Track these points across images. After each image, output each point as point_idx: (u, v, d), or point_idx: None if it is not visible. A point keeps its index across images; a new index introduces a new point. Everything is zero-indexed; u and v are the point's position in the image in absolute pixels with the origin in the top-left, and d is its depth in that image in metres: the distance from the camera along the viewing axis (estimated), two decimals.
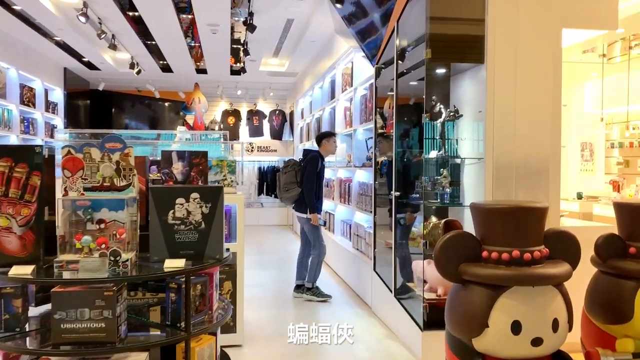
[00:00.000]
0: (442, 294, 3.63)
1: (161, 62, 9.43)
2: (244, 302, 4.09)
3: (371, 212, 5.37)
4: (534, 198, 3.45)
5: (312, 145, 8.16)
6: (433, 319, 3.52)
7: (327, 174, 8.24)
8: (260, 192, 12.78)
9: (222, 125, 12.69)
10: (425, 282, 3.80)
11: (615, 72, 7.30)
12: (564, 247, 2.22)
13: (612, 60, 7.27)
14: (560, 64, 3.62)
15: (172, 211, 2.37)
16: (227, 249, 2.57)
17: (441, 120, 3.88)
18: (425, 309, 3.56)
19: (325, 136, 5.73)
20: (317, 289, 5.49)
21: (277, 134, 12.87)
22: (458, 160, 3.96)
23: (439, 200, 3.88)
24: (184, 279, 2.31)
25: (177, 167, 2.85)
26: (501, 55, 3.50)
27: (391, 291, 4.45)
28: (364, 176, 6.07)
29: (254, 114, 12.78)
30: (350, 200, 6.48)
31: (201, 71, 10.23)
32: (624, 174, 7.39)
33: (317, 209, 5.51)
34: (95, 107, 12.04)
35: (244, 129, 12.82)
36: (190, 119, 11.57)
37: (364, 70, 5.98)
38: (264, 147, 12.76)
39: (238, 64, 8.93)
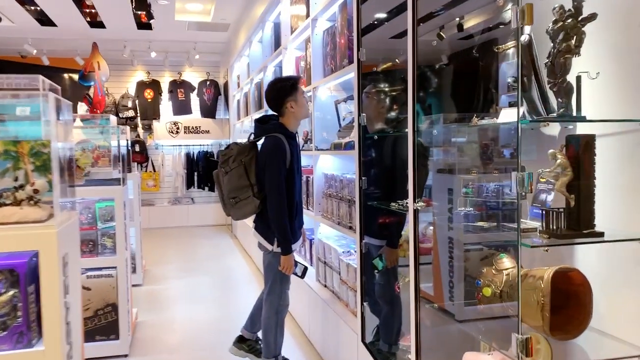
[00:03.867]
0: None
1: (33, 7, 6.65)
2: None
3: (352, 228, 3.02)
4: None
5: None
6: None
7: None
8: (189, 185, 10.20)
9: (137, 101, 10.00)
10: None
11: None
12: None
13: None
14: None
15: None
16: None
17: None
18: None
19: (286, 91, 3.09)
20: None
21: (209, 111, 10.29)
22: (584, 129, 1.67)
23: (546, 220, 1.57)
24: None
25: None
26: None
27: None
28: (335, 164, 3.70)
29: (178, 85, 10.13)
30: (310, 202, 4.10)
31: (97, 25, 7.49)
32: None
33: (292, 242, 3.09)
34: None
35: (166, 105, 10.17)
36: (91, 91, 8.80)
37: None
38: (193, 128, 10.16)
39: (140, 10, 6.29)
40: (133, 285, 5.51)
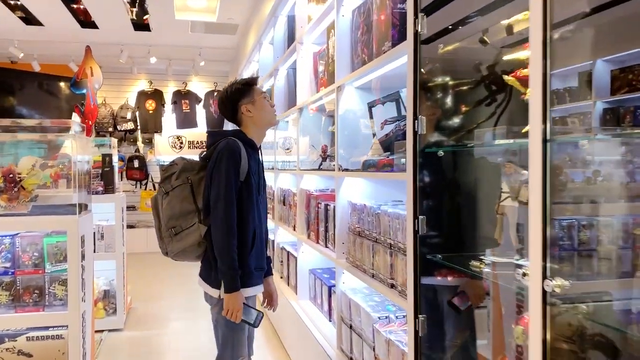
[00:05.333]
0: None
1: (12, 2, 5.81)
2: None
3: (396, 289, 2.04)
4: None
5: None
6: None
7: (272, 180, 4.90)
8: None
9: (137, 112, 9.14)
10: None
11: None
12: None
13: None
14: None
15: None
16: None
17: None
18: None
19: (239, 92, 2.43)
20: None
21: (216, 125, 9.39)
22: None
23: None
24: None
25: None
26: None
27: None
28: (366, 191, 2.73)
29: (183, 96, 9.26)
30: (328, 238, 3.13)
31: (89, 25, 6.64)
32: None
33: (241, 280, 2.24)
34: None
35: (169, 118, 9.31)
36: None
37: None
38: (198, 143, 9.27)
39: (131, 4, 5.40)
40: (111, 331, 4.55)
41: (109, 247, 4.61)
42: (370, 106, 2.48)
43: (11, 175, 2.74)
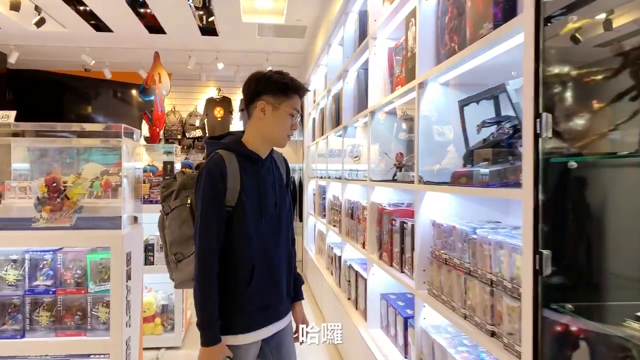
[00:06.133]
0: None
1: (82, 7, 5.78)
2: None
3: (498, 338, 1.55)
4: None
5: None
6: None
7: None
8: None
9: (205, 120, 9.05)
10: None
11: None
12: None
13: None
14: None
15: None
16: None
17: None
18: None
19: (266, 83, 1.96)
20: None
21: None
22: None
23: None
24: None
25: None
26: None
27: None
28: (453, 209, 2.26)
29: None
30: (405, 261, 2.67)
31: (156, 30, 6.56)
32: None
33: (231, 324, 1.90)
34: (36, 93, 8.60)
35: (237, 125, 9.14)
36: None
37: None
38: None
39: (197, 7, 5.19)
40: (168, 349, 4.30)
41: None
42: (463, 105, 2.01)
43: (55, 184, 2.50)
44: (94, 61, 7.27)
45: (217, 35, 6.67)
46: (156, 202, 4.41)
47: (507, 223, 2.09)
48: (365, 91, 3.80)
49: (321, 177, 5.97)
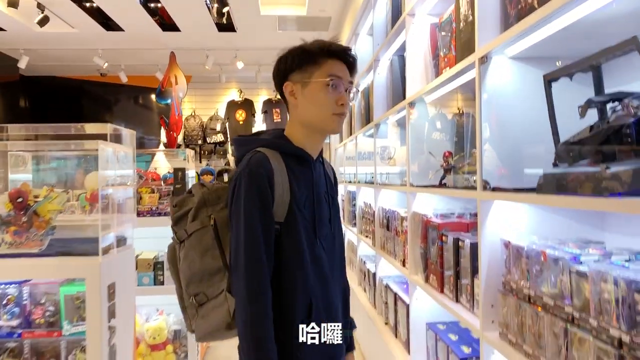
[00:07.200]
0: None
1: (88, 4, 5.36)
2: None
3: None
4: None
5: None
6: None
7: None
8: None
9: (227, 124, 8.60)
10: None
11: None
12: None
13: None
14: None
15: None
16: None
17: None
18: None
19: (291, 60, 1.47)
20: None
21: None
22: None
23: None
24: None
25: None
26: None
27: None
28: (530, 220, 1.67)
29: (274, 105, 8.59)
30: (461, 289, 2.08)
31: (170, 27, 6.11)
32: None
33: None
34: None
35: (260, 128, 8.67)
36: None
37: None
38: None
39: (210, 0, 4.70)
40: None
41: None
42: (551, 80, 1.42)
43: (20, 200, 2.00)
44: (107, 64, 6.88)
45: (234, 30, 6.18)
46: (166, 214, 3.92)
47: (613, 245, 1.50)
48: (402, 80, 3.23)
49: (350, 182, 5.41)
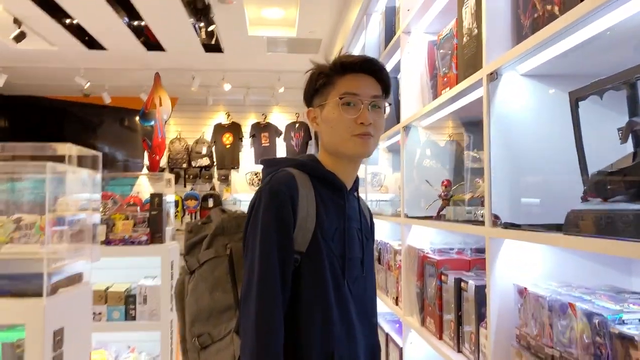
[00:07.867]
0: None
1: (68, 21, 5.14)
2: None
3: None
4: None
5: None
6: None
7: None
8: None
9: (213, 147, 8.34)
10: None
11: None
12: None
13: None
14: None
15: None
16: None
17: None
18: None
19: (310, 86, 1.37)
20: None
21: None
22: None
23: None
24: None
25: None
26: None
27: None
28: (547, 262, 1.42)
29: (262, 128, 8.36)
30: (463, 336, 1.82)
31: (154, 47, 5.90)
32: None
33: None
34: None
35: (247, 153, 8.43)
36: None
37: None
38: None
39: (196, 20, 4.51)
40: None
41: (153, 314, 3.56)
42: (578, 99, 1.19)
43: None
44: (90, 83, 6.63)
45: (221, 51, 5.98)
46: (139, 243, 3.63)
47: None
48: (395, 103, 3.01)
49: None
